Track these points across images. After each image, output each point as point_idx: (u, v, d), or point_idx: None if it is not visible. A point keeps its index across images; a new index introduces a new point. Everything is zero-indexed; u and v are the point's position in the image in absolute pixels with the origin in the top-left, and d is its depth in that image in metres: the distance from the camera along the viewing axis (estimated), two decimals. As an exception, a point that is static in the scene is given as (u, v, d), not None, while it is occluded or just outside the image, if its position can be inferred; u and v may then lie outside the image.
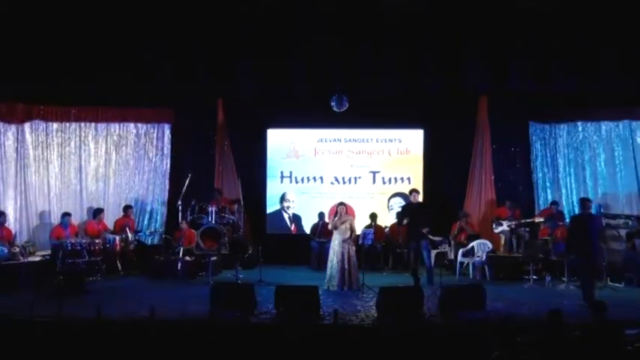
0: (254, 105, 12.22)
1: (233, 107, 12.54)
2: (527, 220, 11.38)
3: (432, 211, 9.86)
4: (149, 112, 12.57)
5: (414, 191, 10.03)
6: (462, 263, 10.98)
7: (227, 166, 12.66)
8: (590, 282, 8.63)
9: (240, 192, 12.14)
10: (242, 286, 8.74)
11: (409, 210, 9.83)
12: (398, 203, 12.57)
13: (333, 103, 12.00)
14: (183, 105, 12.21)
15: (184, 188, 11.70)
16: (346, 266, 9.48)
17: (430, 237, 11.15)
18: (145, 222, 12.53)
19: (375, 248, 11.54)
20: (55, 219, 11.53)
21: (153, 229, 12.34)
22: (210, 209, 11.59)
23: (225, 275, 10.77)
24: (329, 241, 10.05)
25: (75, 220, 11.61)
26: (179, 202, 11.66)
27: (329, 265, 9.64)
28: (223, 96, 12.43)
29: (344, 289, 9.41)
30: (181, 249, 10.83)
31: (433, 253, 11.54)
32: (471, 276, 10.78)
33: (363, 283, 9.33)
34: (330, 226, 9.87)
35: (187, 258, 10.69)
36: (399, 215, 10.02)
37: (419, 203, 9.90)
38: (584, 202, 9.00)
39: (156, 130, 12.71)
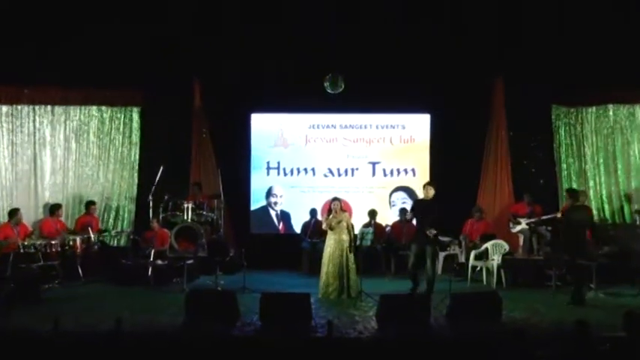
0: (236, 85, 12.17)
1: (212, 88, 12.47)
2: (549, 217, 11.37)
3: (441, 211, 9.72)
4: (115, 93, 12.47)
5: (428, 185, 9.78)
6: (474, 267, 10.97)
7: (205, 156, 12.63)
8: (581, 281, 9.09)
9: (220, 186, 12.08)
10: (223, 294, 8.69)
11: (419, 207, 9.68)
12: (401, 198, 12.56)
13: (326, 84, 11.96)
14: (155, 85, 12.11)
15: (156, 181, 11.64)
16: (343, 270, 9.45)
17: (439, 238, 11.14)
18: (111, 220, 12.49)
19: (375, 250, 11.52)
20: (6, 217, 11.43)
21: (119, 229, 12.27)
22: (185, 206, 11.54)
23: (203, 281, 10.74)
24: (322, 242, 10.03)
25: (28, 218, 11.52)
26: (150, 198, 11.60)
27: (323, 269, 9.61)
28: (200, 75, 12.37)
29: (340, 296, 9.39)
30: (152, 251, 10.78)
31: (441, 255, 11.57)
32: (484, 282, 10.78)
33: (361, 290, 9.31)
34: (324, 226, 9.83)
35: (159, 262, 10.65)
36: (410, 212, 9.89)
37: (432, 200, 9.69)
38: (572, 194, 9.53)
39: (123, 115, 12.65)
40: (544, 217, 11.35)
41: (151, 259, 10.65)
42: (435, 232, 9.42)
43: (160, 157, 12.09)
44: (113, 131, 12.60)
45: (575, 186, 12.20)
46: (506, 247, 10.88)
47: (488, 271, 10.77)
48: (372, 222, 11.91)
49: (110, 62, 11.40)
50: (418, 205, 9.77)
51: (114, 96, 12.51)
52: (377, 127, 12.89)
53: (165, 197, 11.67)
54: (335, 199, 9.89)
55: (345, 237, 9.60)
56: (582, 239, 9.42)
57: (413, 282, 9.56)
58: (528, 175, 12.42)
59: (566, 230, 9.40)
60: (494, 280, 10.54)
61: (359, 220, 11.84)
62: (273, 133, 12.94)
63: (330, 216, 9.69)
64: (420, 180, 12.27)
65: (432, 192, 9.57)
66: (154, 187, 11.63)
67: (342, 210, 9.84)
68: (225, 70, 11.91)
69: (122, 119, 12.63)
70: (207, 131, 12.63)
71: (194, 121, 12.61)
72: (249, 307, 8.30)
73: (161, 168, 11.71)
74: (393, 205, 12.70)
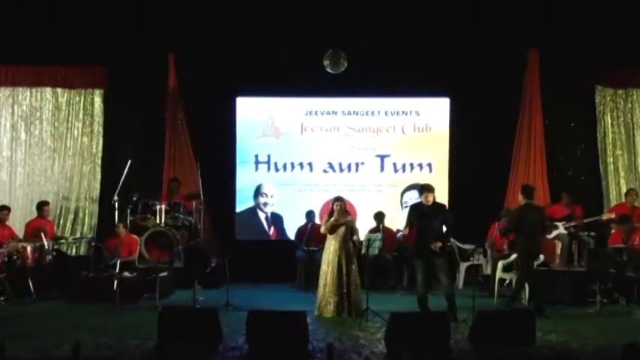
0: (218, 64, 12.15)
1: (189, 67, 12.45)
2: (592, 219, 11.33)
3: (450, 219, 9.61)
4: (73, 72, 12.45)
5: (425, 190, 9.64)
6: (502, 280, 10.94)
7: (181, 147, 12.63)
8: (521, 285, 9.81)
9: (199, 183, 12.08)
10: (202, 312, 8.66)
11: (418, 214, 9.60)
12: (414, 199, 12.46)
13: (326, 63, 11.92)
14: (121, 63, 12.09)
15: (122, 178, 11.63)
16: (344, 284, 9.43)
17: (459, 245, 11.09)
18: (68, 225, 12.46)
19: (384, 260, 11.49)
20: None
21: (78, 235, 12.23)
22: (158, 207, 11.56)
23: (179, 297, 10.73)
24: (321, 250, 10.00)
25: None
26: (115, 198, 11.59)
27: (321, 282, 9.58)
28: (176, 51, 12.34)
29: (341, 315, 9.37)
30: (118, 262, 10.72)
31: (463, 266, 11.51)
32: (515, 298, 10.75)
33: (367, 308, 9.28)
34: (323, 230, 9.81)
35: (126, 274, 10.59)
36: (407, 221, 9.85)
37: (434, 205, 9.64)
38: (526, 190, 9.96)
39: (83, 98, 12.61)
40: (586, 221, 11.32)
41: (117, 270, 10.55)
42: (441, 244, 9.30)
43: (127, 149, 12.11)
44: (71, 118, 12.57)
45: (623, 183, 12.20)
46: (541, 256, 10.83)
47: (520, 285, 10.73)
48: (380, 226, 11.86)
49: (67, 34, 11.34)
50: (416, 211, 9.63)
51: (72, 75, 12.46)
52: (386, 114, 12.85)
53: (134, 197, 11.67)
54: (338, 198, 9.86)
55: (348, 244, 9.57)
56: (535, 242, 9.87)
57: (422, 308, 9.47)
58: (567, 171, 12.41)
59: (518, 233, 9.88)
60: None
61: (365, 225, 11.80)
62: (262, 121, 12.89)
63: (332, 218, 9.65)
64: (437, 177, 12.26)
65: (430, 198, 9.47)
66: (120, 185, 11.60)
67: (346, 212, 9.80)
68: (205, 45, 11.87)
69: (82, 103, 12.58)
70: (183, 118, 12.61)
71: (168, 107, 12.59)
72: (234, 328, 8.27)
73: (129, 162, 11.70)
74: (406, 207, 12.62)
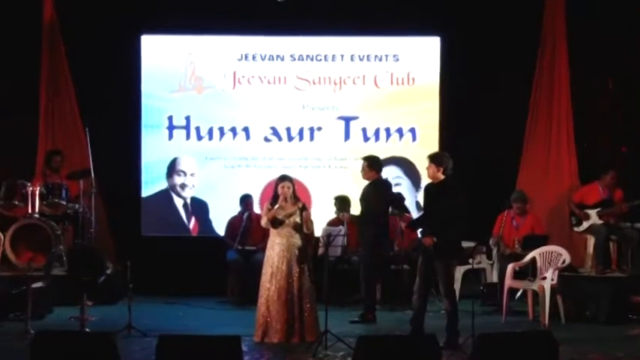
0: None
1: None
2: (637, 203, 11.43)
3: (462, 202, 9.49)
4: None
5: (431, 160, 9.51)
6: (513, 290, 11.02)
7: (63, 107, 12.62)
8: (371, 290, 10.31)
9: (89, 157, 12.01)
10: (94, 338, 8.52)
11: (427, 196, 9.60)
12: (393, 177, 12.50)
13: (269, -14, 11.90)
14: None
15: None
16: (295, 298, 9.41)
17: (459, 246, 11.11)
18: None
19: (349, 263, 11.53)
20: None
21: None
22: (30, 190, 11.45)
23: (59, 316, 10.64)
24: (262, 251, 9.99)
25: None
26: (-31, 178, 11.46)
27: (262, 295, 9.53)
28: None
29: (291, 341, 9.35)
30: (-28, 268, 10.65)
31: (460, 270, 11.54)
32: (529, 314, 10.85)
33: (326, 330, 9.25)
34: (264, 222, 9.76)
35: (-15, 285, 10.50)
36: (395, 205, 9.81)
37: (441, 183, 9.53)
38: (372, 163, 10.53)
39: None
40: (630, 204, 11.41)
41: (-28, 280, 10.50)
42: (434, 240, 9.22)
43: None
44: None
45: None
46: (566, 257, 10.91)
47: (537, 297, 10.78)
48: (345, 216, 11.80)
49: None
50: (427, 193, 9.68)
51: None
52: (352, 59, 12.89)
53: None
54: (284, 177, 9.79)
55: (299, 242, 9.55)
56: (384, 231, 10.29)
57: (414, 326, 9.48)
58: (602, 139, 12.54)
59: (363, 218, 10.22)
60: (547, 311, 10.56)
61: (323, 214, 11.86)
62: (178, 69, 12.87)
63: (276, 205, 9.58)
64: (423, 147, 12.28)
65: (434, 172, 9.32)
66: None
67: (296, 198, 9.74)
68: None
69: None
70: (66, 65, 12.57)
71: (44, 49, 12.54)
72: (139, 359, 8.25)
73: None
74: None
